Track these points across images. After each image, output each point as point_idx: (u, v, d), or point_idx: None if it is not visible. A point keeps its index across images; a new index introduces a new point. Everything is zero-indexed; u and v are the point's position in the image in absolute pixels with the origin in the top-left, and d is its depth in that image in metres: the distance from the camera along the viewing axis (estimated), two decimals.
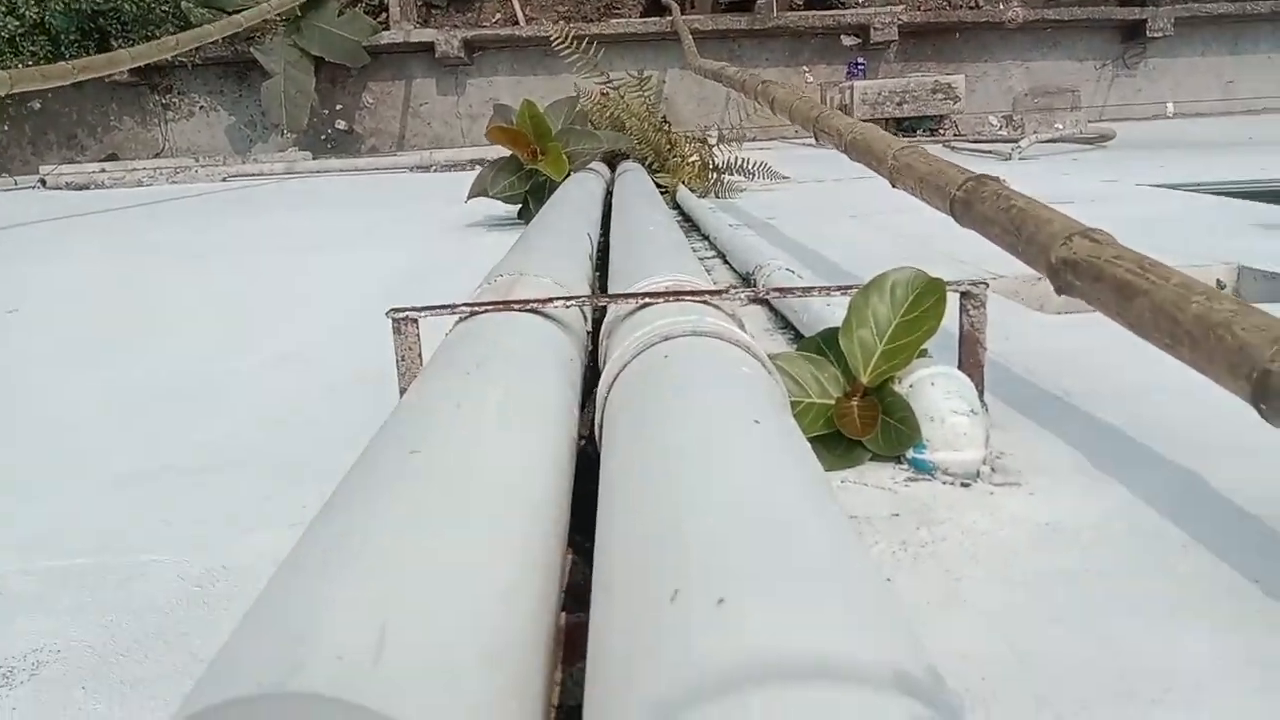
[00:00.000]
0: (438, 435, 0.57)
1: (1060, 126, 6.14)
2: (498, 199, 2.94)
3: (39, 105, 8.90)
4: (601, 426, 0.74)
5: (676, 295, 0.90)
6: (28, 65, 7.40)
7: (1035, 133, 5.64)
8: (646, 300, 0.90)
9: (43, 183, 6.87)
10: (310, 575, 0.41)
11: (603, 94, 4.09)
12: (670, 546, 0.42)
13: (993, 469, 0.85)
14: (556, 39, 3.87)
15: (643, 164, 3.70)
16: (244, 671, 0.34)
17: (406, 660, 0.35)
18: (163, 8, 8.12)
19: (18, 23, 7.57)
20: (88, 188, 6.62)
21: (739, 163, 3.79)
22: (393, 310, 0.92)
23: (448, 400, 0.64)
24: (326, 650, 0.34)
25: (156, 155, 8.82)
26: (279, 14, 7.17)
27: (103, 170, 7.04)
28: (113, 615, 0.68)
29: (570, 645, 0.60)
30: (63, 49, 8.16)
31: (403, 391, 0.92)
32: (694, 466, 0.50)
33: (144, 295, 2.18)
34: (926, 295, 0.89)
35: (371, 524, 0.46)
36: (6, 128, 8.91)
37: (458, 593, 0.41)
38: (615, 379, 0.76)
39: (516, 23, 8.89)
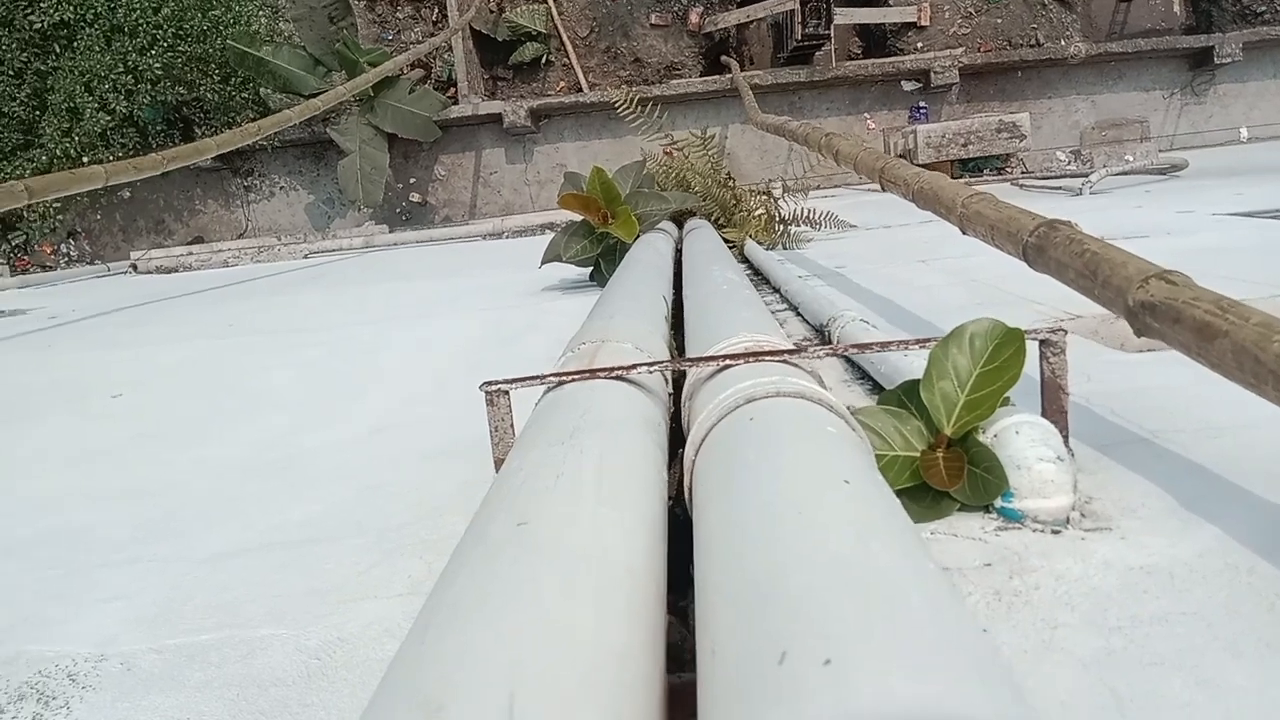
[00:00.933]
0: (541, 507, 0.60)
1: (1130, 158, 6.06)
2: (571, 263, 3.00)
3: (129, 194, 9.33)
4: (691, 489, 0.76)
5: (756, 356, 0.92)
6: (118, 157, 7.78)
7: (1105, 166, 5.58)
8: (727, 363, 0.92)
9: (134, 268, 7.18)
10: (436, 644, 0.44)
11: (667, 154, 4.17)
12: (774, 608, 0.44)
13: (1082, 514, 0.85)
14: (620, 104, 3.96)
15: (710, 220, 3.75)
16: None
17: None
18: (243, 95, 8.50)
19: (108, 117, 7.97)
20: (176, 270, 6.89)
21: (805, 213, 3.82)
22: (485, 384, 0.96)
23: (546, 471, 0.67)
24: (462, 716, 0.37)
25: (240, 236, 9.17)
26: (353, 95, 7.44)
27: (190, 253, 7.33)
28: (239, 689, 0.71)
29: (673, 705, 0.62)
30: (150, 139, 8.57)
31: (497, 461, 0.96)
32: (790, 527, 0.52)
33: (235, 373, 2.27)
34: (1006, 345, 0.90)
35: (489, 593, 0.49)
36: (99, 217, 9.35)
37: (575, 658, 0.44)
38: (702, 442, 0.78)
39: (580, 90, 9.09)
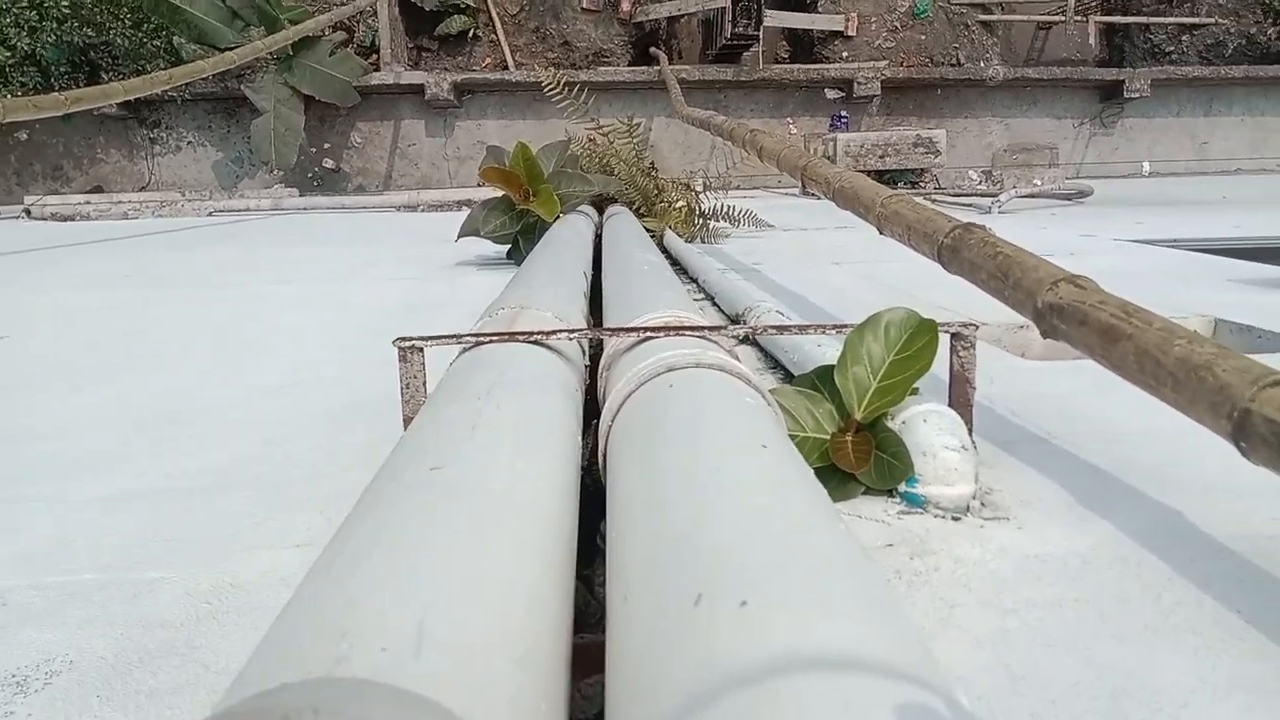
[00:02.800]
0: (457, 454, 0.59)
1: (1039, 182, 6.25)
2: (488, 238, 2.97)
3: (25, 136, 8.90)
4: (605, 454, 0.76)
5: (677, 330, 0.93)
6: (18, 96, 7.41)
7: (1015, 187, 5.75)
8: (648, 334, 0.92)
9: (27, 213, 6.87)
10: (345, 577, 0.43)
11: (592, 139, 4.15)
12: (690, 556, 0.44)
13: (982, 504, 0.87)
14: (549, 84, 3.93)
15: (631, 208, 3.75)
16: (289, 661, 0.36)
17: (445, 656, 0.37)
18: (154, 43, 8.16)
19: (8, 54, 7.59)
20: (73, 219, 6.62)
21: (725, 209, 3.84)
22: (399, 339, 0.94)
23: (463, 422, 0.66)
24: (370, 643, 0.36)
25: (142, 189, 8.83)
26: (271, 52, 7.23)
27: (88, 202, 7.04)
28: (123, 629, 0.69)
29: (576, 664, 0.62)
30: (53, 80, 8.18)
31: (406, 419, 0.94)
32: (708, 484, 0.52)
33: (134, 324, 2.19)
34: (919, 335, 0.92)
35: (401, 532, 0.48)
36: None
37: (487, 600, 0.43)
38: (620, 408, 0.78)
39: (506, 67, 8.99)
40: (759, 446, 0.58)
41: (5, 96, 7.27)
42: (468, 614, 0.41)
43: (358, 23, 8.83)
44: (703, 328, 0.94)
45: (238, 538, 0.85)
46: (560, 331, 0.95)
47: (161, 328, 2.12)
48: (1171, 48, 9.51)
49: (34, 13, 7.59)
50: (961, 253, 1.26)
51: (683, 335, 0.91)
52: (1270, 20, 9.38)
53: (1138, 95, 8.70)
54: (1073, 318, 0.92)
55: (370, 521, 0.50)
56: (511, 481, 0.58)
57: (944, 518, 0.85)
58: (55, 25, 7.72)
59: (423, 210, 6.48)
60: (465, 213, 3.31)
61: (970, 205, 5.43)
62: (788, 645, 0.34)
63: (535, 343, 0.93)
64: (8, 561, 0.81)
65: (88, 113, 7.94)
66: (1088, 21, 9.23)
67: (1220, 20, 9.40)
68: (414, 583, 0.42)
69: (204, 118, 8.93)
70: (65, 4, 7.58)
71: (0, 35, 7.58)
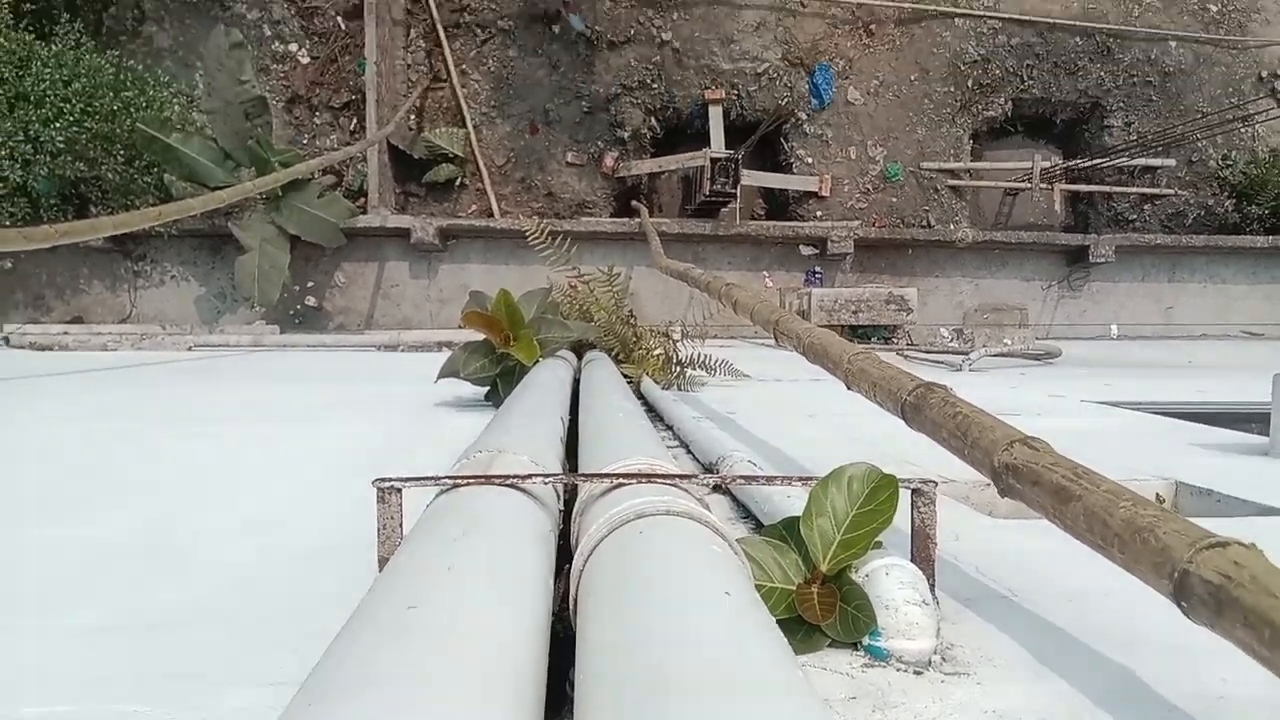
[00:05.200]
0: (432, 594, 0.62)
1: (1009, 342, 6.42)
2: (468, 380, 3.02)
3: (10, 265, 8.99)
4: (576, 599, 0.78)
5: (649, 478, 0.96)
6: (6, 226, 7.52)
7: (985, 346, 5.89)
8: (620, 480, 0.95)
9: (6, 340, 6.88)
10: (325, 711, 0.45)
11: (572, 287, 4.26)
12: (656, 701, 0.47)
13: (943, 659, 0.89)
14: (532, 233, 4.05)
15: (609, 354, 3.82)
16: None
17: None
18: (145, 179, 8.34)
19: (0, 185, 7.73)
20: (51, 349, 6.63)
21: (701, 358, 3.92)
22: (378, 480, 0.97)
23: (438, 562, 0.68)
24: None
25: (123, 320, 8.90)
26: (261, 193, 7.42)
27: (66, 333, 7.08)
28: None
29: None
30: (41, 212, 8.30)
31: (381, 560, 0.96)
32: (674, 630, 0.55)
33: (108, 458, 2.19)
34: (881, 489, 0.95)
35: (379, 668, 0.50)
36: None
37: None
38: (591, 553, 0.81)
39: (492, 214, 9.25)
40: (723, 594, 0.61)
41: None
42: None
43: (347, 167, 9.10)
44: (674, 476, 0.97)
45: (212, 674, 0.85)
46: (535, 476, 0.98)
47: (137, 463, 2.12)
48: (1134, 215, 9.93)
49: (29, 145, 7.76)
50: (924, 411, 1.31)
51: (654, 483, 0.95)
52: (1226, 194, 9.84)
53: (1103, 260, 9.01)
54: (1027, 478, 0.96)
55: (350, 657, 0.52)
56: (484, 625, 0.60)
57: (906, 672, 0.87)
58: (49, 159, 7.88)
59: (403, 350, 6.55)
60: (446, 354, 3.36)
61: (941, 363, 5.55)
62: None
63: (511, 486, 0.96)
64: None
65: (74, 244, 8.06)
66: (1052, 189, 9.64)
67: (1179, 191, 9.85)
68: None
69: (189, 253, 9.08)
70: (60, 139, 7.76)
71: None
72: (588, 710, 0.53)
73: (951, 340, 7.39)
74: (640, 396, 3.25)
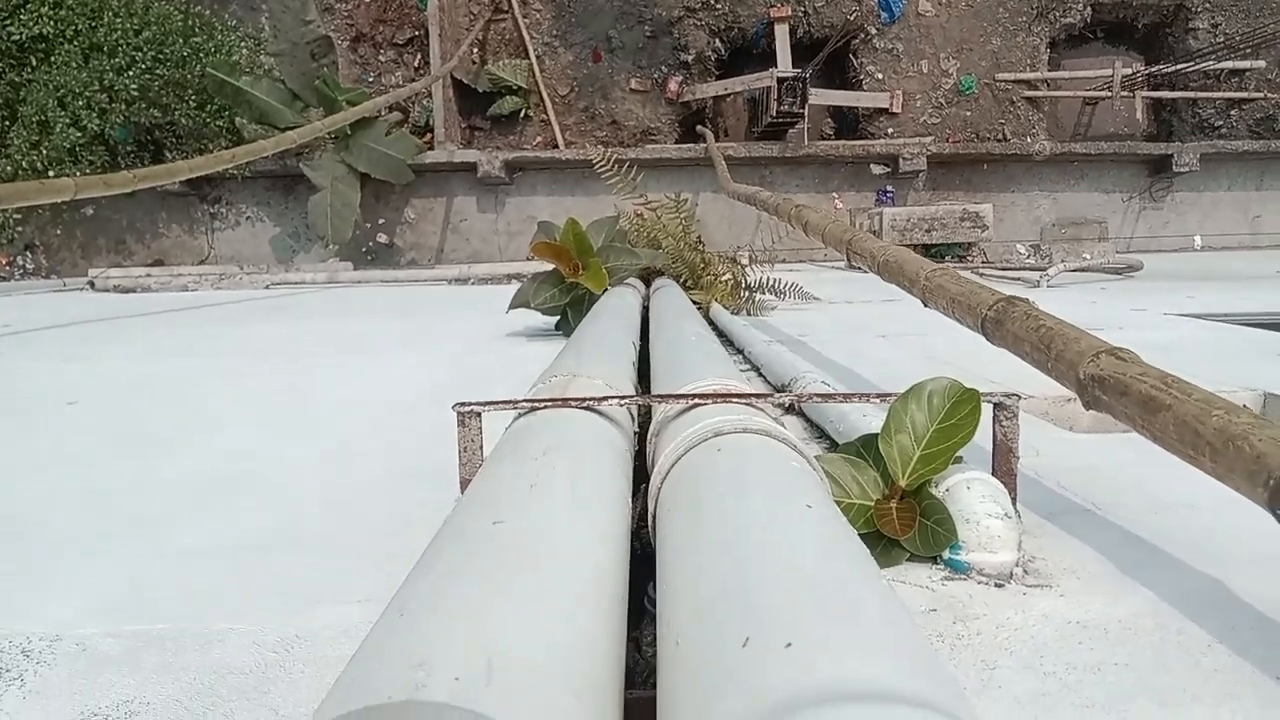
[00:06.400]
0: (517, 508, 0.63)
1: (1088, 256, 6.24)
2: (538, 310, 3.03)
3: (91, 211, 9.25)
4: (655, 515, 0.79)
5: (724, 398, 0.96)
6: (85, 173, 7.72)
7: (1063, 261, 5.74)
8: (696, 401, 0.96)
9: (91, 284, 7.10)
10: (419, 616, 0.47)
11: (640, 214, 4.24)
12: (738, 605, 0.47)
13: (1025, 571, 0.89)
14: (599, 161, 4.03)
15: (677, 281, 3.81)
16: (370, 687, 0.39)
17: (513, 688, 0.40)
18: (217, 123, 8.49)
19: (79, 134, 7.92)
20: (134, 291, 6.83)
21: (770, 283, 3.89)
22: (458, 404, 0.98)
23: (521, 480, 0.69)
24: (444, 673, 0.39)
25: (201, 262, 9.11)
26: (329, 132, 7.48)
27: (149, 275, 7.27)
28: (196, 675, 0.72)
29: (628, 715, 0.64)
30: (119, 159, 8.52)
31: (463, 482, 0.98)
32: (756, 540, 0.55)
33: (196, 392, 2.26)
34: (962, 404, 0.94)
35: (468, 579, 0.51)
36: (59, 232, 9.25)
37: (550, 641, 0.46)
38: (669, 470, 0.81)
39: (556, 146, 9.21)
40: (804, 506, 0.61)
41: (75, 174, 7.57)
42: (532, 653, 0.44)
43: (413, 104, 9.13)
44: (749, 395, 0.97)
45: (302, 593, 0.88)
46: (611, 398, 0.98)
47: (222, 396, 2.18)
48: (1220, 122, 9.52)
49: (104, 95, 7.93)
50: (1005, 325, 1.28)
51: (730, 403, 0.94)
52: None
53: (1187, 170, 8.69)
54: (1114, 389, 0.94)
55: (439, 569, 0.53)
56: (568, 538, 0.61)
57: (987, 584, 0.87)
58: (124, 106, 8.05)
59: (473, 283, 6.61)
60: (514, 286, 3.38)
61: (1018, 279, 5.42)
62: (832, 681, 0.37)
63: (587, 408, 0.97)
64: (86, 611, 0.85)
65: (151, 189, 8.25)
66: (1134, 97, 9.27)
67: (1270, 95, 9.40)
68: (482, 624, 0.45)
69: (263, 194, 9.23)
70: (134, 86, 7.91)
71: (72, 116, 7.91)
72: (669, 615, 0.54)
73: (1029, 256, 7.22)
74: (710, 322, 3.24)
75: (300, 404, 2.06)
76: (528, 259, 7.01)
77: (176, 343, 3.49)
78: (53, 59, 7.97)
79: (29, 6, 7.97)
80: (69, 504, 1.25)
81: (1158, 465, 1.10)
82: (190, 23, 8.36)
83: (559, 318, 3.09)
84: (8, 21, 8.02)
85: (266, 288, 6.84)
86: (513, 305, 3.10)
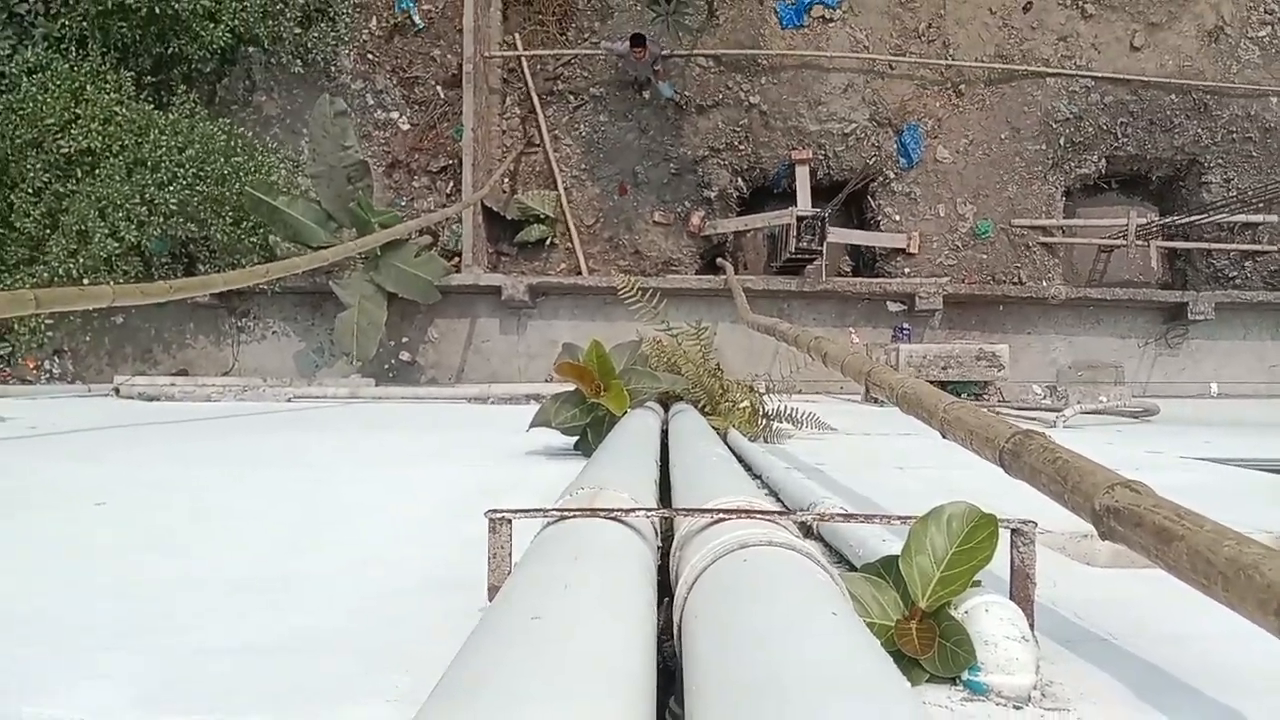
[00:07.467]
0: (551, 608, 0.65)
1: (1104, 399, 6.27)
2: (558, 429, 3.07)
3: (121, 320, 9.45)
4: (681, 625, 0.81)
5: (748, 513, 0.99)
6: (121, 282, 7.92)
7: (1079, 402, 5.77)
8: (721, 515, 0.99)
9: (116, 391, 7.19)
10: (460, 706, 0.49)
11: (660, 341, 4.31)
12: (768, 703, 0.50)
13: (1043, 694, 0.90)
14: (624, 288, 4.13)
15: (696, 406, 3.85)
16: None
17: None
18: (250, 239, 8.73)
19: (116, 244, 8.15)
20: (158, 399, 6.91)
21: (788, 411, 3.93)
22: (490, 511, 1.01)
23: (555, 581, 0.72)
24: None
25: (225, 373, 9.24)
26: (361, 252, 7.69)
27: (173, 384, 7.38)
28: None
29: None
30: (153, 270, 8.76)
31: (492, 588, 1.00)
32: (782, 642, 0.58)
33: (219, 498, 2.29)
34: (980, 529, 0.97)
35: (506, 672, 0.54)
36: (88, 338, 9.43)
37: None
38: (695, 581, 0.84)
39: (580, 272, 9.42)
40: (829, 613, 0.63)
41: (111, 283, 7.77)
42: None
43: (443, 228, 9.40)
44: (772, 512, 1.00)
45: (332, 691, 0.90)
46: (639, 510, 1.01)
47: (247, 503, 2.22)
48: (1235, 272, 9.66)
49: (144, 208, 8.19)
50: (1022, 457, 1.31)
51: (753, 518, 0.97)
52: None
53: (1203, 317, 8.78)
54: (1129, 520, 0.96)
55: (479, 661, 0.56)
56: (601, 639, 0.64)
57: (1006, 706, 0.88)
58: (162, 220, 8.30)
59: (492, 402, 6.67)
60: (533, 406, 3.44)
61: (1034, 419, 5.44)
62: None
63: (615, 519, 1.00)
64: (119, 699, 0.87)
65: (182, 300, 8.44)
66: (1149, 246, 9.44)
67: None
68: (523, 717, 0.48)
69: (290, 310, 9.43)
70: (174, 201, 8.17)
71: (111, 227, 8.16)
72: (699, 709, 0.56)
73: (1044, 397, 7.25)
74: (727, 446, 3.26)
75: (323, 513, 2.09)
76: (547, 380, 7.11)
77: (200, 450, 3.53)
78: (98, 171, 8.28)
79: (80, 122, 8.33)
80: (101, 598, 1.27)
81: (1174, 599, 1.11)
82: (233, 143, 8.70)
83: (578, 438, 3.12)
84: (59, 135, 8.36)
85: (289, 400, 6.91)
86: (533, 424, 3.15)
